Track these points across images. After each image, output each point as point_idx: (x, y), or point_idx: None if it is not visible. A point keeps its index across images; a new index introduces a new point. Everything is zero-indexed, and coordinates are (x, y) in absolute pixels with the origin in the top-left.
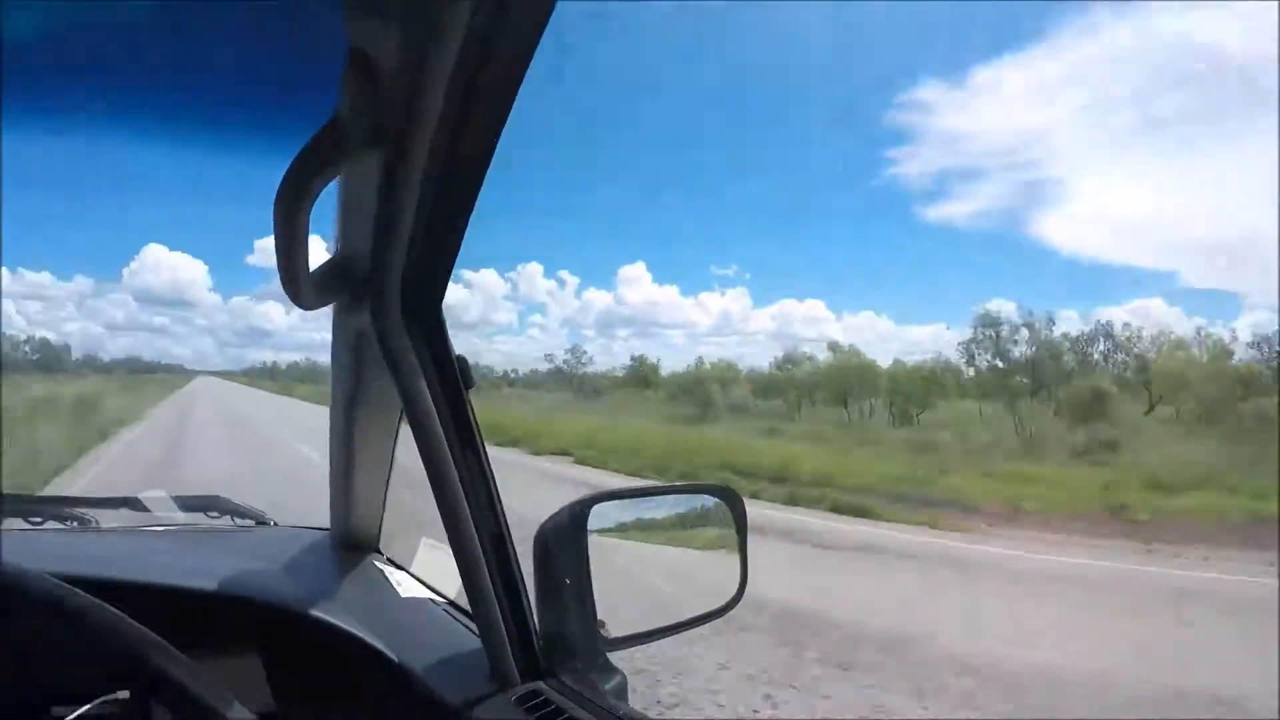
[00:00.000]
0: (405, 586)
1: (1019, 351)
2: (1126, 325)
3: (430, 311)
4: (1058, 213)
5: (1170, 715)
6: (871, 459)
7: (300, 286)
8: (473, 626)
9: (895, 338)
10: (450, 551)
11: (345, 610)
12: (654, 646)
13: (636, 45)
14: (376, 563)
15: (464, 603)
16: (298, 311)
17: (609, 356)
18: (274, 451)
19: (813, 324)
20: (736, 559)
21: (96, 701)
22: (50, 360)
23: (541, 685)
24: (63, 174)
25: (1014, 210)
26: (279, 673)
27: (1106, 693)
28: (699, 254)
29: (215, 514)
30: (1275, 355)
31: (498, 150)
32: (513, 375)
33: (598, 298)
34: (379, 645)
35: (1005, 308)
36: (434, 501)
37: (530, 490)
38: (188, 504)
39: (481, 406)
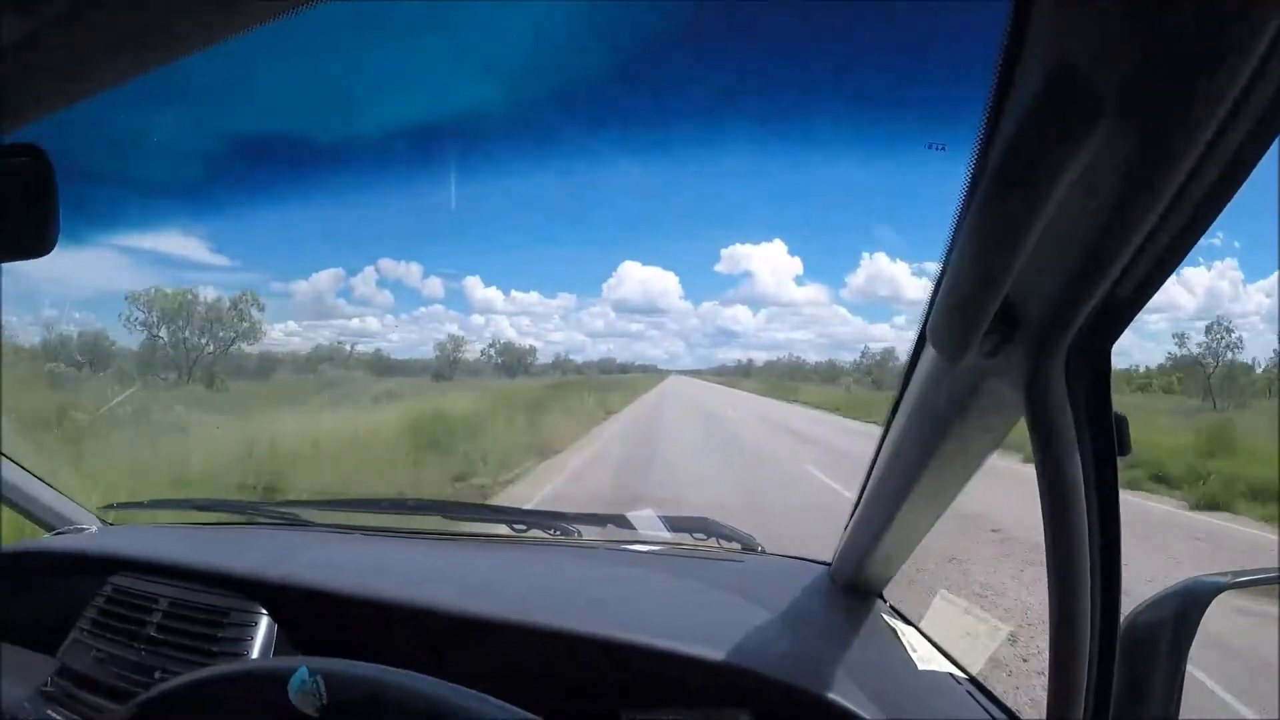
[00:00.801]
0: (921, 653)
1: None
2: None
3: (1101, 361)
4: None
5: None
6: None
7: (969, 337)
8: (1000, 717)
9: None
10: (965, 610)
11: (851, 679)
12: None
13: None
14: (884, 615)
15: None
16: (765, 313)
17: None
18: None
19: None
20: None
21: None
22: (513, 364)
23: None
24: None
25: None
26: None
27: None
28: None
29: (702, 535)
30: None
31: None
32: None
33: None
34: None
35: None
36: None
37: None
38: (675, 524)
39: None
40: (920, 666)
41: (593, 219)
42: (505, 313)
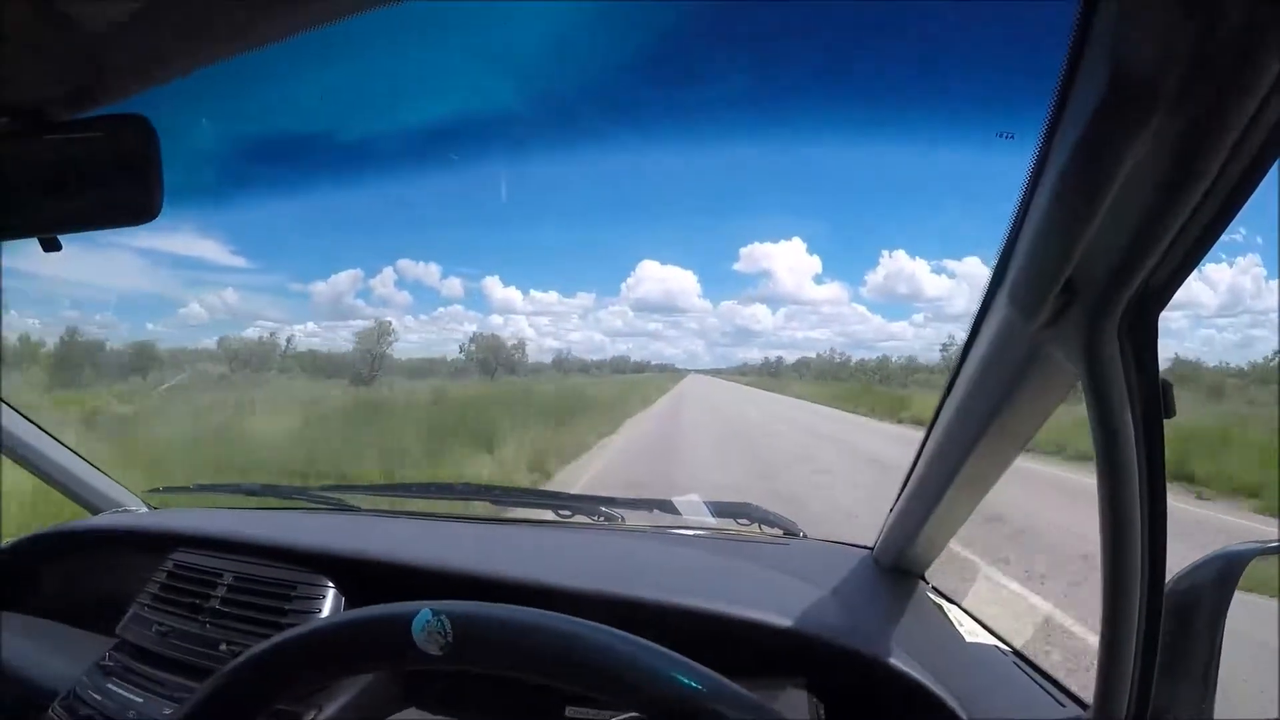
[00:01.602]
0: (968, 628)
1: None
2: None
3: (1151, 329)
4: None
5: None
6: None
7: (1047, 291)
8: (1049, 688)
9: None
10: (1009, 590)
11: (903, 650)
12: None
13: None
14: (928, 594)
15: (1024, 648)
16: (784, 311)
17: None
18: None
19: None
20: None
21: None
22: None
23: None
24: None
25: None
26: (837, 714)
27: None
28: None
29: (745, 520)
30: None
31: None
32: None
33: None
34: (946, 698)
35: None
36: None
37: None
38: (719, 510)
39: None
40: (968, 639)
41: (612, 218)
42: (524, 312)
